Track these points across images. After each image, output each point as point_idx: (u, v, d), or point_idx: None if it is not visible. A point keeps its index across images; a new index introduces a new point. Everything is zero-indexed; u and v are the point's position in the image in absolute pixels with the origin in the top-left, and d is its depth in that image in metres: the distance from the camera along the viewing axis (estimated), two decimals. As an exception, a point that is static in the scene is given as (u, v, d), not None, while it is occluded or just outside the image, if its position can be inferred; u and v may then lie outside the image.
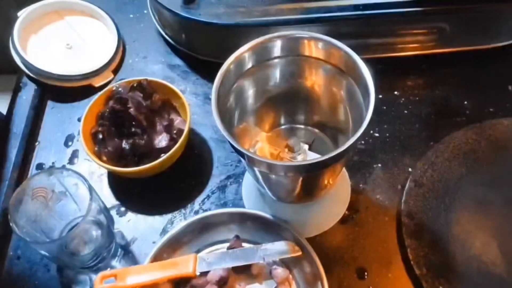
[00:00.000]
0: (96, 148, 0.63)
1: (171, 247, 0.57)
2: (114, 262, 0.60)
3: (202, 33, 0.71)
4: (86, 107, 0.64)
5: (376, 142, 0.67)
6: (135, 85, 0.66)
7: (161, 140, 0.64)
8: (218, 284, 0.55)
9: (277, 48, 0.54)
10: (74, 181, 0.54)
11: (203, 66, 0.74)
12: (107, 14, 0.77)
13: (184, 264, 0.55)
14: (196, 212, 0.63)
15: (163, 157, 0.61)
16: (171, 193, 0.65)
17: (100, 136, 0.64)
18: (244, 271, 0.57)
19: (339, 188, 0.63)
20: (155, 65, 0.76)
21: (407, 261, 0.57)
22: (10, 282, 0.60)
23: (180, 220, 0.62)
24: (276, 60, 0.55)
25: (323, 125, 0.61)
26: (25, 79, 0.74)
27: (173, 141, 0.63)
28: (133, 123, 0.64)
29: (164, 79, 0.68)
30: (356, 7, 0.67)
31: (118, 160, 0.63)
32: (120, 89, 0.66)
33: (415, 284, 0.56)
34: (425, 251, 0.57)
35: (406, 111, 0.69)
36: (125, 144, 0.63)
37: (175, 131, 0.65)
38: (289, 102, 0.59)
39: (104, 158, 0.62)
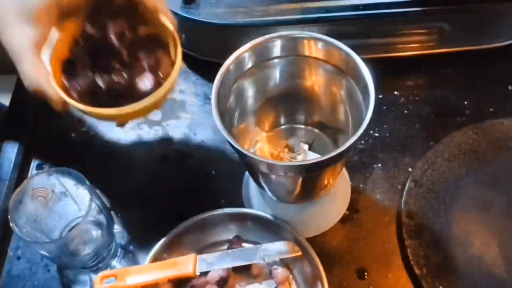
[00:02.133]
0: (65, 81, 0.52)
1: (171, 247, 0.57)
2: (114, 262, 0.60)
3: (202, 33, 0.71)
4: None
5: (376, 142, 0.67)
6: (121, 11, 0.54)
7: (145, 81, 0.53)
8: (218, 284, 0.55)
9: (277, 48, 0.54)
10: (74, 181, 0.54)
11: (203, 66, 0.74)
12: (107, 14, 0.76)
13: (184, 264, 0.55)
14: (196, 212, 0.63)
15: (146, 100, 0.50)
16: (171, 193, 0.65)
17: (72, 66, 0.53)
18: (244, 271, 0.57)
19: (339, 188, 0.63)
20: (155, 65, 0.76)
21: (407, 261, 0.57)
22: (10, 282, 0.60)
23: (180, 220, 0.62)
24: (276, 60, 0.55)
25: (323, 125, 0.61)
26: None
27: (159, 84, 0.53)
28: (113, 55, 0.53)
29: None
30: (356, 7, 0.67)
31: (90, 98, 0.52)
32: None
33: (415, 284, 0.56)
34: (425, 251, 0.57)
35: (406, 111, 0.69)
36: (100, 81, 0.52)
37: (162, 73, 0.54)
38: (289, 102, 0.59)
39: (74, 95, 0.51)
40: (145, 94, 0.51)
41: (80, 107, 0.50)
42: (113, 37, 0.53)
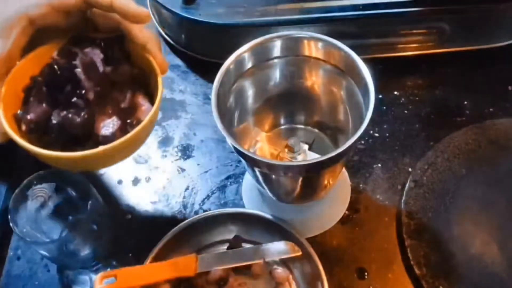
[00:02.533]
0: (19, 111, 0.46)
1: (171, 247, 0.57)
2: (114, 262, 0.60)
3: (202, 33, 0.71)
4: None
5: (376, 142, 0.67)
6: (100, 41, 0.47)
7: (107, 126, 0.46)
8: (218, 284, 0.55)
9: (277, 48, 0.54)
10: (74, 181, 0.54)
11: (203, 66, 0.74)
12: (107, 14, 0.76)
13: (184, 264, 0.55)
14: (196, 212, 0.63)
15: (94, 150, 0.43)
16: (171, 193, 0.65)
17: (30, 96, 0.46)
18: (244, 271, 0.57)
19: (339, 188, 0.63)
20: (155, 65, 0.76)
21: (407, 261, 0.57)
22: (10, 282, 0.60)
23: (180, 220, 0.62)
24: (276, 60, 0.55)
25: (323, 125, 0.61)
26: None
27: (123, 132, 0.45)
28: (77, 91, 0.46)
29: (164, 79, 0.68)
30: (356, 7, 0.67)
31: (40, 135, 0.46)
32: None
33: (415, 284, 0.56)
34: (425, 251, 0.57)
35: (406, 111, 0.69)
36: (55, 116, 0.45)
37: (133, 121, 0.47)
38: (289, 102, 0.59)
39: (24, 128, 0.45)
40: (104, 141, 0.44)
41: (17, 141, 0.43)
42: (79, 69, 0.46)
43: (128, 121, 0.46)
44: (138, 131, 0.44)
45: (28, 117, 0.45)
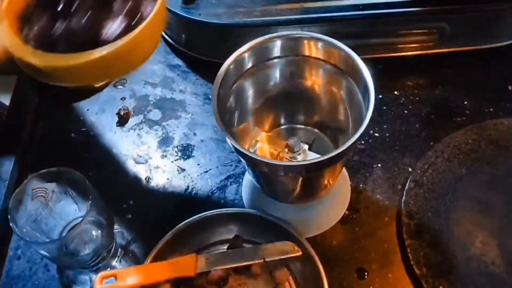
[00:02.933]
0: (23, 31, 0.44)
1: (171, 247, 0.57)
2: (114, 262, 0.60)
3: (202, 33, 0.71)
4: None
5: (376, 142, 0.67)
6: None
7: (113, 27, 0.42)
8: (218, 284, 0.55)
9: (277, 48, 0.54)
10: (73, 181, 0.54)
11: (203, 66, 0.74)
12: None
13: (184, 264, 0.55)
14: (197, 212, 0.63)
15: (105, 48, 0.40)
16: (171, 193, 0.65)
17: (30, 17, 0.44)
18: (244, 271, 0.57)
19: (339, 188, 0.63)
20: (155, 65, 0.76)
21: (407, 261, 0.57)
22: (10, 282, 0.60)
23: (180, 220, 0.62)
24: (276, 60, 0.55)
25: (323, 125, 0.61)
26: (24, 79, 0.74)
27: (131, 30, 0.42)
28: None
29: (164, 79, 0.68)
30: (356, 7, 0.67)
31: (47, 49, 0.43)
32: None
33: (415, 284, 0.56)
34: (425, 251, 0.57)
35: (406, 111, 0.70)
36: (58, 27, 0.43)
37: (140, 22, 0.43)
38: (289, 102, 0.59)
39: (31, 45, 0.43)
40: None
41: (19, 53, 0.41)
42: None
43: (133, 23, 0.43)
44: (144, 27, 0.41)
45: (33, 31, 0.43)
